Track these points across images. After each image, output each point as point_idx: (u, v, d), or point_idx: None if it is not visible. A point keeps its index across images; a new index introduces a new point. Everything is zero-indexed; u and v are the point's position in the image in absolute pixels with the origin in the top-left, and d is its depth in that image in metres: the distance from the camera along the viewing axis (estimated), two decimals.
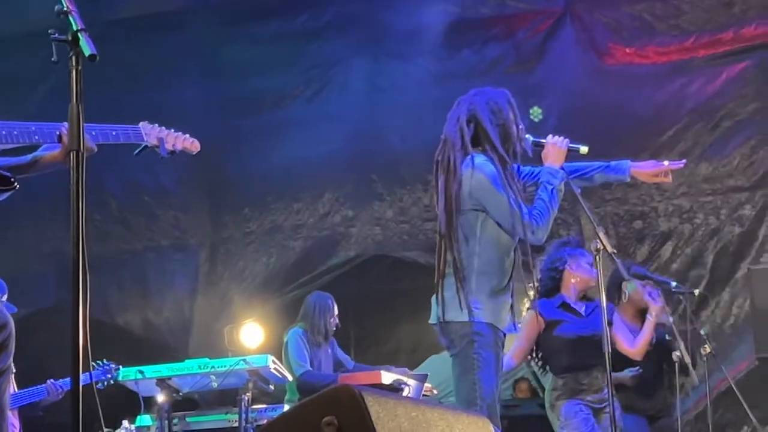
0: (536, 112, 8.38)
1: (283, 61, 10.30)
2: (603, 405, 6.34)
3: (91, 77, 3.22)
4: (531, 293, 5.31)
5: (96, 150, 3.94)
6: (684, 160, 5.57)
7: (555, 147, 4.99)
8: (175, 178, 10.39)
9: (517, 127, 4.92)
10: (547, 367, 6.61)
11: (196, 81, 10.24)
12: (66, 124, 3.45)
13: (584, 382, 6.38)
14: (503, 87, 4.99)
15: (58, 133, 3.96)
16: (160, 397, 6.83)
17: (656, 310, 6.66)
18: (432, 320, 4.90)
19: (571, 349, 6.42)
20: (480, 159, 4.79)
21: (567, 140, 5.02)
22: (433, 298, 4.89)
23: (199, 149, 4.63)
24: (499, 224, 4.78)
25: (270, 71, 10.31)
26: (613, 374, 5.88)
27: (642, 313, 6.86)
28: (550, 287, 6.63)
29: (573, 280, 6.59)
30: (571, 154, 5.03)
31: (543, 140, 5.05)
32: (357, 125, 9.98)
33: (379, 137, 9.86)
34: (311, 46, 10.35)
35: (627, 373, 6.77)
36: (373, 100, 10.06)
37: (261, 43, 10.24)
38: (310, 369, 7.66)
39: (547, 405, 6.55)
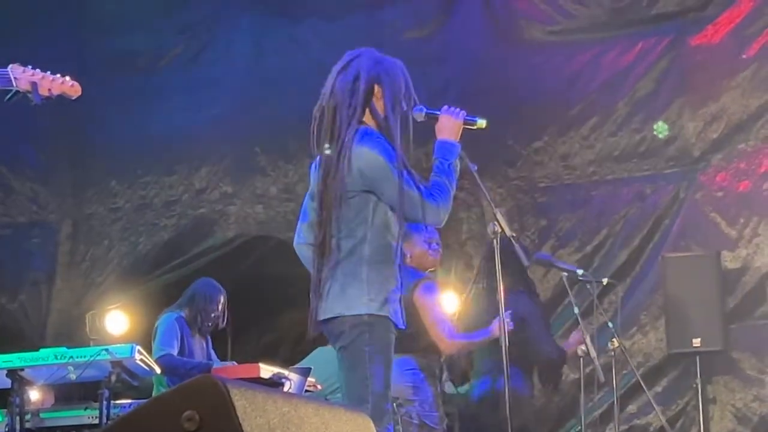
0: (661, 128, 8.48)
1: (158, 16, 10.21)
2: None
3: None
4: None
5: None
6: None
7: (450, 119, 4.94)
8: (33, 145, 10.23)
9: (408, 98, 4.94)
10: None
11: (60, 36, 10.09)
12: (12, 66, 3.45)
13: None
14: (400, 54, 4.99)
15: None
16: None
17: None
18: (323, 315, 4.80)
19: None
20: (373, 134, 4.76)
21: (463, 112, 5.01)
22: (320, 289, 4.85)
23: (80, 93, 4.59)
24: (392, 208, 4.74)
25: (143, 28, 10.21)
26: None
27: None
28: None
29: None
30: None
31: (438, 112, 5.06)
32: (238, 92, 9.92)
33: (263, 105, 9.81)
34: (190, 1, 10.29)
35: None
36: (257, 65, 10.02)
37: None
38: (172, 353, 7.65)
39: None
